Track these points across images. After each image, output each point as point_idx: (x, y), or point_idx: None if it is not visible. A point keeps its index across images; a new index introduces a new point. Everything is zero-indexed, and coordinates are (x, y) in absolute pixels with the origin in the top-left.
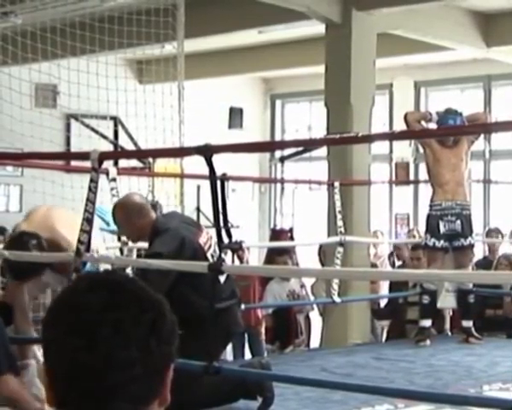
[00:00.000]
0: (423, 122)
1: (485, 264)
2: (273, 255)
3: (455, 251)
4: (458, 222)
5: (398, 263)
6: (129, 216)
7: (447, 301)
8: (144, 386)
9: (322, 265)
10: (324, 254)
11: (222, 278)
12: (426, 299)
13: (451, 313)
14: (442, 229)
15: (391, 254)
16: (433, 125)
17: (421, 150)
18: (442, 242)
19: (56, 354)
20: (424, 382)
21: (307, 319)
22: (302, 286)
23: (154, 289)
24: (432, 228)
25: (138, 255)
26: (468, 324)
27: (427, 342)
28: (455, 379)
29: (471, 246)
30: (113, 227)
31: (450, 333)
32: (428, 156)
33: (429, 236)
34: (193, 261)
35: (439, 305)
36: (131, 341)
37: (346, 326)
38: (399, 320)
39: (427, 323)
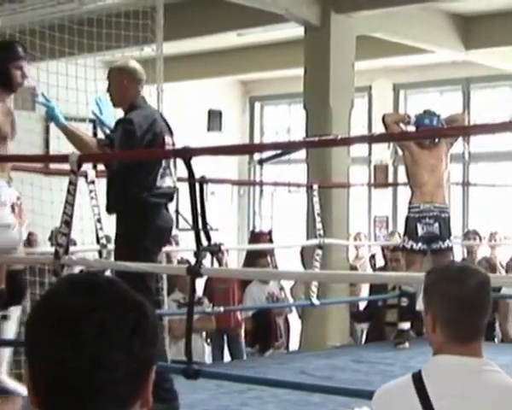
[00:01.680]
0: (401, 124)
1: None
2: (252, 258)
3: (433, 254)
4: (436, 225)
5: (380, 265)
6: (122, 74)
7: (421, 304)
8: (127, 387)
9: (305, 266)
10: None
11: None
12: (404, 301)
13: None
14: (420, 231)
15: (372, 257)
16: (411, 128)
17: (401, 153)
18: (420, 244)
19: (41, 355)
20: None
21: (286, 321)
22: (281, 289)
23: (116, 148)
24: (410, 230)
25: None
26: None
27: (406, 344)
28: None
29: (449, 249)
30: (105, 117)
31: None
32: (407, 158)
33: (407, 238)
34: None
35: (417, 307)
36: (115, 342)
37: (325, 329)
38: (378, 323)
39: (405, 325)
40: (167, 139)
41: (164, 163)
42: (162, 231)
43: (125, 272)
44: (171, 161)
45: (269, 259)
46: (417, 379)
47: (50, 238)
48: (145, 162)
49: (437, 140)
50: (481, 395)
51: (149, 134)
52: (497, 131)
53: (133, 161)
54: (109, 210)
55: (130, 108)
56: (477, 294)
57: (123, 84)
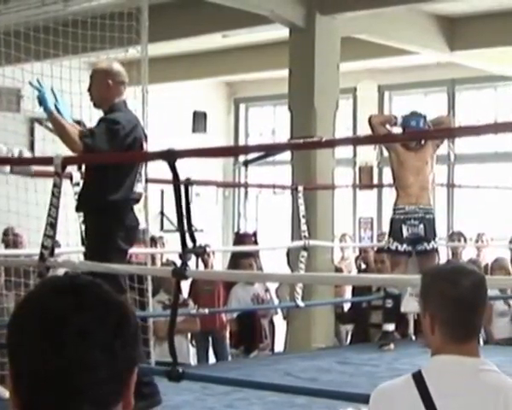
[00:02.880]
0: (388, 125)
1: None
2: (238, 259)
3: (418, 255)
4: (421, 226)
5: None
6: (107, 75)
7: (411, 306)
8: (108, 389)
9: (291, 268)
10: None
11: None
12: (389, 303)
13: (415, 318)
14: (405, 233)
15: (357, 258)
16: (397, 129)
17: (386, 154)
18: (405, 246)
19: (23, 357)
20: None
21: (271, 323)
22: (266, 290)
23: (97, 142)
24: (395, 232)
25: None
26: None
27: (391, 346)
28: None
29: (434, 250)
30: (61, 106)
31: (413, 337)
32: (393, 159)
33: (392, 240)
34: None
35: (402, 309)
36: (97, 343)
37: (309, 330)
38: (363, 324)
39: (390, 327)
40: (144, 145)
41: (139, 168)
42: (133, 229)
43: (99, 272)
44: (143, 168)
45: (254, 260)
46: (418, 379)
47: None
48: (125, 165)
49: (423, 142)
50: (481, 394)
51: (130, 137)
52: (481, 133)
53: (116, 164)
54: (81, 208)
55: (110, 109)
56: (473, 293)
57: (106, 85)
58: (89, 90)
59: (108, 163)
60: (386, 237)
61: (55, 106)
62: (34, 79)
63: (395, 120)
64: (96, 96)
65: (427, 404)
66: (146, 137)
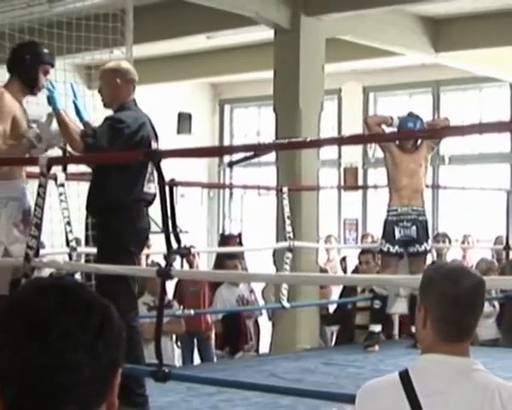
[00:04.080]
0: (384, 126)
1: None
2: (223, 260)
3: (410, 257)
4: (414, 228)
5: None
6: (115, 74)
7: (399, 307)
8: (92, 390)
9: (277, 269)
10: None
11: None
12: (377, 304)
13: (401, 319)
14: (397, 234)
15: (343, 259)
16: (393, 130)
17: (370, 155)
18: (397, 247)
19: (7, 358)
20: None
21: (256, 324)
22: (251, 291)
23: (98, 141)
24: (387, 234)
25: (87, 260)
26: None
27: (376, 347)
28: None
29: (426, 252)
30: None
31: (398, 338)
32: (388, 160)
33: (384, 241)
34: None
35: (392, 310)
36: (80, 344)
37: (295, 331)
38: (348, 325)
39: (376, 328)
40: (153, 144)
41: (150, 168)
42: (143, 233)
43: (108, 276)
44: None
45: (239, 261)
46: (404, 377)
47: None
48: (133, 165)
49: (418, 144)
50: (468, 394)
51: (137, 136)
52: (466, 134)
53: (122, 163)
54: (89, 209)
55: (119, 108)
56: (470, 294)
57: (115, 84)
58: (99, 91)
59: (105, 163)
60: (380, 238)
61: (74, 102)
62: (48, 82)
63: (391, 121)
64: (106, 97)
65: (412, 402)
66: (157, 136)
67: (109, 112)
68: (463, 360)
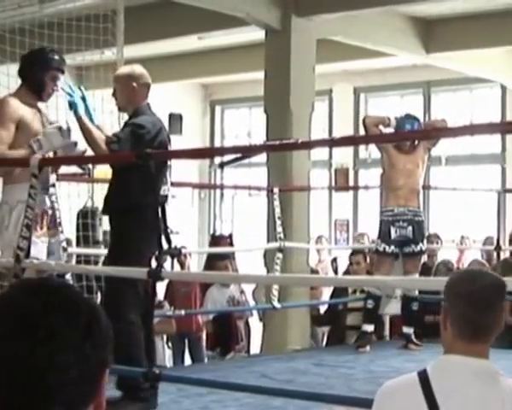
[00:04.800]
0: (381, 127)
1: (424, 270)
2: (213, 261)
3: (405, 257)
4: (410, 228)
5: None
6: (131, 78)
7: (391, 308)
8: (79, 391)
9: (268, 269)
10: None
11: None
12: (370, 304)
13: (392, 319)
14: (393, 234)
15: (334, 260)
16: (390, 131)
17: (362, 156)
18: (393, 247)
19: None
20: (364, 388)
21: (246, 324)
22: (242, 292)
23: (123, 148)
24: (383, 233)
25: (78, 261)
26: (408, 330)
27: (367, 348)
28: None
29: (421, 252)
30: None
31: (389, 339)
32: (384, 161)
33: (380, 241)
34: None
35: (384, 311)
36: (67, 344)
37: (285, 332)
38: (339, 326)
39: (369, 328)
40: (169, 149)
41: (166, 171)
42: (158, 231)
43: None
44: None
45: (230, 262)
46: (423, 377)
47: None
48: (153, 167)
49: (416, 144)
50: (488, 396)
51: (156, 141)
52: (458, 135)
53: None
54: (106, 210)
55: (135, 112)
56: (484, 292)
57: (132, 89)
58: (113, 95)
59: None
60: (376, 238)
61: (85, 105)
62: (65, 85)
63: (388, 122)
64: (121, 101)
65: (430, 403)
66: (170, 140)
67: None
68: (480, 361)
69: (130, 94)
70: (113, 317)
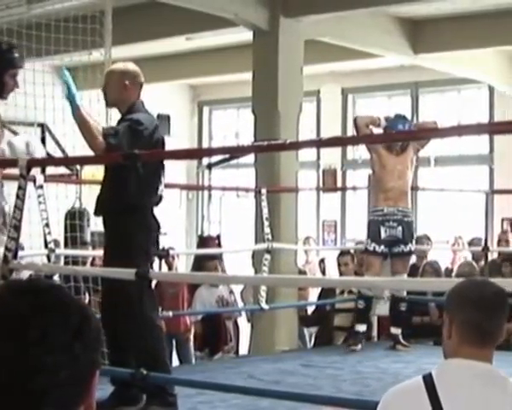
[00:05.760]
0: (372, 127)
1: (412, 271)
2: (203, 261)
3: (394, 257)
4: (399, 228)
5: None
6: (124, 75)
7: (381, 309)
8: (69, 392)
9: (255, 270)
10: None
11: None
12: (361, 304)
13: (380, 320)
14: (383, 234)
15: (321, 261)
16: (379, 131)
17: (350, 157)
18: (382, 247)
19: None
20: (352, 389)
21: (235, 325)
22: (231, 292)
23: (121, 142)
24: (373, 233)
25: (66, 262)
26: (396, 331)
27: (359, 346)
28: (382, 386)
29: (410, 253)
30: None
31: (377, 340)
32: (374, 162)
33: (370, 240)
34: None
35: (374, 312)
36: (57, 345)
37: (273, 333)
38: (327, 327)
39: (361, 328)
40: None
41: (161, 170)
42: (155, 232)
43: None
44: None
45: (217, 263)
46: (429, 382)
47: None
48: (150, 167)
49: (406, 145)
50: (494, 401)
51: (154, 138)
52: (445, 136)
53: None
54: (102, 211)
55: (129, 110)
56: (492, 298)
57: (124, 86)
58: (103, 90)
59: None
60: (365, 238)
61: (66, 83)
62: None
63: (379, 122)
64: (112, 98)
65: (435, 407)
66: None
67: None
68: (486, 365)
69: (121, 91)
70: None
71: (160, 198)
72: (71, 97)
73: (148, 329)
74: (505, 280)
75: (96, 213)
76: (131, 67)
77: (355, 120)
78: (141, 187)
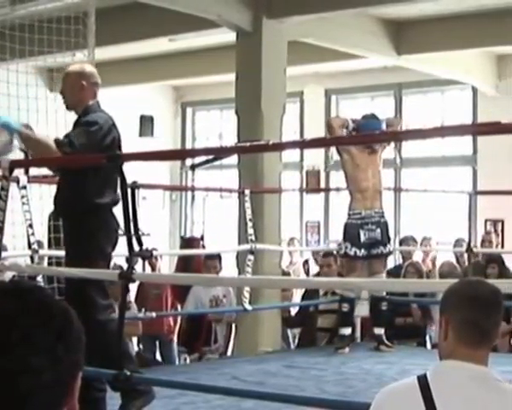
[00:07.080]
0: (344, 129)
1: (396, 272)
2: (184, 263)
3: (372, 258)
4: (378, 230)
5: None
6: (80, 77)
7: (361, 310)
8: (52, 394)
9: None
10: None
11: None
12: (345, 307)
13: (362, 321)
14: (363, 238)
15: (305, 262)
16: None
17: (336, 158)
18: (363, 251)
19: None
20: (335, 390)
21: (229, 327)
22: (225, 296)
23: (75, 148)
24: (352, 237)
25: (49, 263)
26: (379, 331)
27: (346, 349)
28: (366, 387)
29: (389, 253)
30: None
31: (360, 340)
32: (347, 162)
33: (350, 245)
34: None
35: (355, 313)
36: (40, 347)
37: (257, 334)
38: (310, 328)
39: (346, 331)
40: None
41: None
42: (114, 233)
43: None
44: None
45: (218, 262)
46: (423, 382)
47: None
48: (108, 167)
49: (376, 145)
50: (489, 403)
51: (109, 137)
52: (428, 137)
53: (96, 165)
54: (62, 212)
55: (85, 111)
56: (488, 296)
57: (80, 87)
58: (61, 92)
59: (77, 166)
60: (342, 241)
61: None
62: None
63: (347, 124)
64: (69, 99)
65: (428, 408)
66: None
67: (72, 114)
68: (480, 367)
69: (79, 92)
70: (87, 320)
71: (119, 199)
72: (8, 128)
73: (100, 331)
74: (492, 281)
75: (59, 214)
76: (88, 67)
77: (329, 122)
78: (100, 187)
